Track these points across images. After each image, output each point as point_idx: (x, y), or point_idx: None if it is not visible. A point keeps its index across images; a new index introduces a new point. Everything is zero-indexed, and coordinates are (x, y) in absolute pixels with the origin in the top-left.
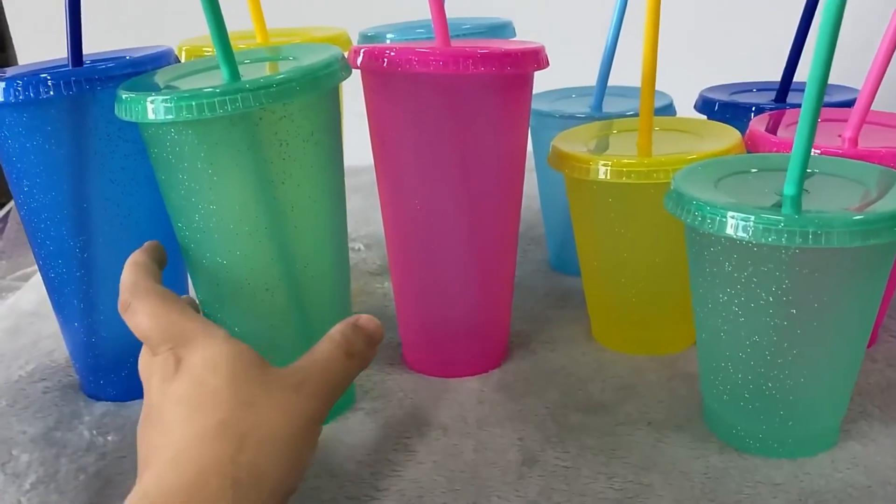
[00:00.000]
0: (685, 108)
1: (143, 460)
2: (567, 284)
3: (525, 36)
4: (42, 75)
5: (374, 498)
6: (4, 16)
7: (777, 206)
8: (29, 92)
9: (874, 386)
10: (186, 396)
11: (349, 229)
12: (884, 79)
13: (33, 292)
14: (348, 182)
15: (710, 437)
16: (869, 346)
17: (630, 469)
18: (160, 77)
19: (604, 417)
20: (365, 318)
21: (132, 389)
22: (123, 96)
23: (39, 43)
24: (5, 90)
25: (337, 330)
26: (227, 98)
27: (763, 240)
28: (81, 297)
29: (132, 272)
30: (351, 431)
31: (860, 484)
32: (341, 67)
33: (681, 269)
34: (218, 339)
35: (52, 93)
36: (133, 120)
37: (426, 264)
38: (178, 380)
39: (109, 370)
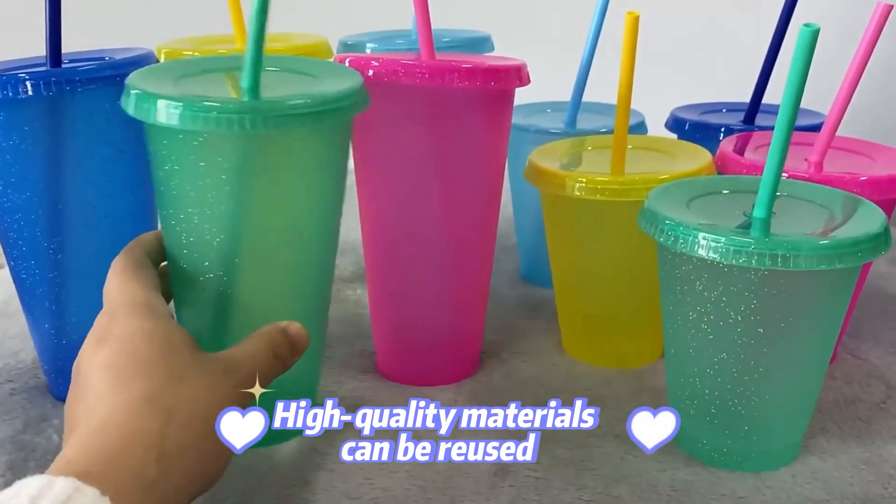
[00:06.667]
0: (656, 126)
1: (69, 429)
2: (538, 295)
3: (502, 50)
4: (20, 75)
5: None
6: None
7: (747, 228)
8: (7, 91)
9: (832, 403)
10: (117, 364)
11: None
12: (852, 105)
13: None
14: None
15: (677, 451)
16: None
17: (600, 481)
18: (172, 72)
19: (574, 429)
20: (295, 326)
21: None
22: (134, 91)
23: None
24: None
25: (266, 330)
26: (247, 117)
27: (733, 261)
28: (53, 298)
29: (127, 246)
30: (324, 440)
31: (819, 498)
32: (362, 99)
33: (650, 284)
34: (157, 314)
35: (30, 93)
36: (141, 118)
37: (403, 274)
38: (107, 346)
39: None
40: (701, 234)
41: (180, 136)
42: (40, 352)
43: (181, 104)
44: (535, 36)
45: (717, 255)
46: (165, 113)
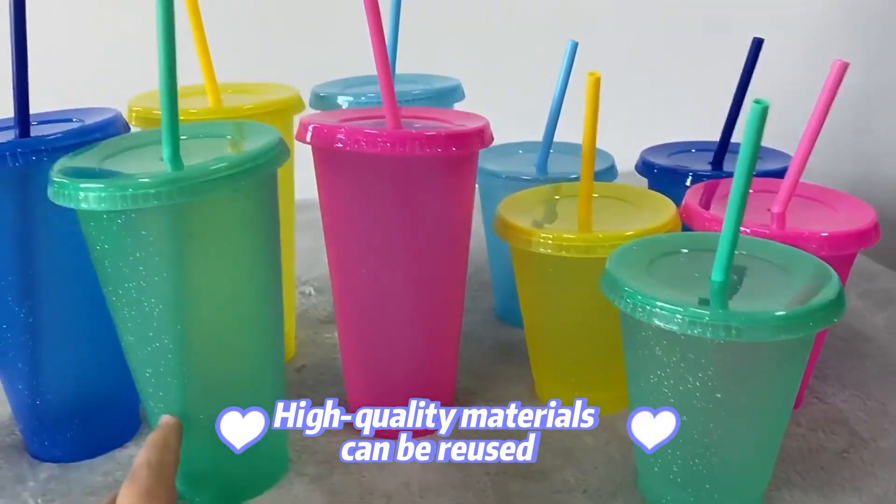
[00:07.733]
0: (629, 164)
1: None
2: (512, 336)
3: (473, 91)
4: None
5: None
6: None
7: (705, 294)
8: None
9: (796, 451)
10: None
11: (299, 271)
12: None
13: None
14: (299, 218)
15: None
16: (794, 408)
17: None
18: (98, 153)
19: (542, 484)
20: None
21: (77, 451)
22: (56, 180)
23: None
24: None
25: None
26: (163, 189)
27: (689, 331)
28: (26, 360)
29: (157, 452)
30: (297, 499)
31: None
32: (279, 153)
33: (616, 335)
34: None
35: None
36: (66, 205)
37: (372, 330)
38: None
39: (55, 431)
40: (658, 304)
41: (104, 216)
42: (15, 411)
43: (97, 187)
44: (507, 70)
45: (673, 326)
46: (85, 197)
